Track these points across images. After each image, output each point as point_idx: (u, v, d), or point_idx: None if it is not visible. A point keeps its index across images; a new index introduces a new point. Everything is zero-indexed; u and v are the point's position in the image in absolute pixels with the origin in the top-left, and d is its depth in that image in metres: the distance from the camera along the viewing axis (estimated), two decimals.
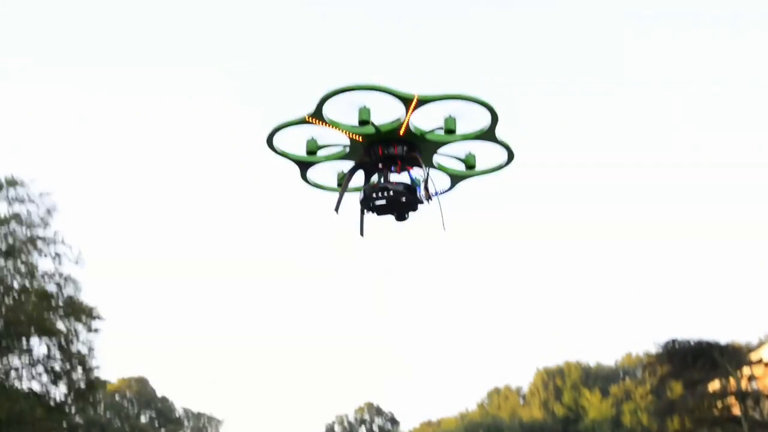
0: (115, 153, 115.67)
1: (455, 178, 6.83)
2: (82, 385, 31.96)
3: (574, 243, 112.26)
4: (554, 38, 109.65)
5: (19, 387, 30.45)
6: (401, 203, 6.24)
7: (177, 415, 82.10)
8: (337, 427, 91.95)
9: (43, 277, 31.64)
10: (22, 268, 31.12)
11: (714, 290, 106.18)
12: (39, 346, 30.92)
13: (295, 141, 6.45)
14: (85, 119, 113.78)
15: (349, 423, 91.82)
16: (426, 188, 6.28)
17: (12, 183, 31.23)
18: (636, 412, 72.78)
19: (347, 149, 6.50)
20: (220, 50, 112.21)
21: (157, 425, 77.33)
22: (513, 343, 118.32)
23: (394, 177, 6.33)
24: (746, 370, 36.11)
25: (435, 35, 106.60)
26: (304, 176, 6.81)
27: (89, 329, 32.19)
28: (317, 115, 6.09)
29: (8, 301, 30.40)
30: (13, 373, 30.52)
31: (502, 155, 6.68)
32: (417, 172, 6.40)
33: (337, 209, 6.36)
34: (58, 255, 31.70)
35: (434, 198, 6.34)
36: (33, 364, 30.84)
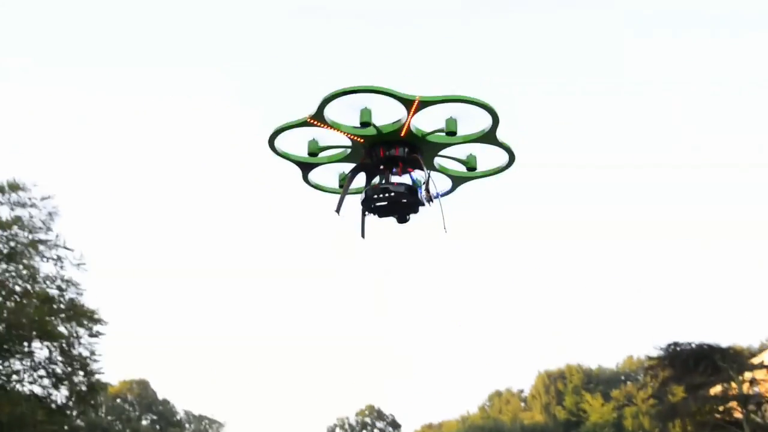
0: (115, 153, 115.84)
1: (456, 180, 6.84)
2: (84, 389, 32.00)
3: (574, 244, 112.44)
4: (554, 38, 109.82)
5: (20, 390, 30.50)
6: (402, 204, 6.25)
7: (178, 418, 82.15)
8: (338, 431, 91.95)
9: (44, 280, 31.71)
10: (24, 272, 31.19)
11: (715, 293, 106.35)
12: (41, 349, 31.00)
13: (296, 142, 6.47)
14: (85, 119, 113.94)
15: (350, 426, 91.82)
16: (427, 190, 6.29)
17: (14, 187, 31.31)
18: (637, 416, 72.75)
19: (348, 151, 6.52)
20: (220, 50, 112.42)
21: (158, 428, 77.34)
22: (514, 346, 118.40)
23: (395, 179, 6.35)
24: (748, 374, 36.10)
25: (435, 36, 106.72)
26: (305, 178, 6.83)
27: (91, 333, 32.23)
28: (318, 116, 6.11)
29: (10, 304, 30.47)
30: (14, 377, 30.58)
31: (504, 157, 6.69)
32: (418, 174, 6.41)
33: (338, 210, 6.37)
34: (59, 258, 31.77)
35: (435, 199, 6.35)
36: (34, 367, 30.89)
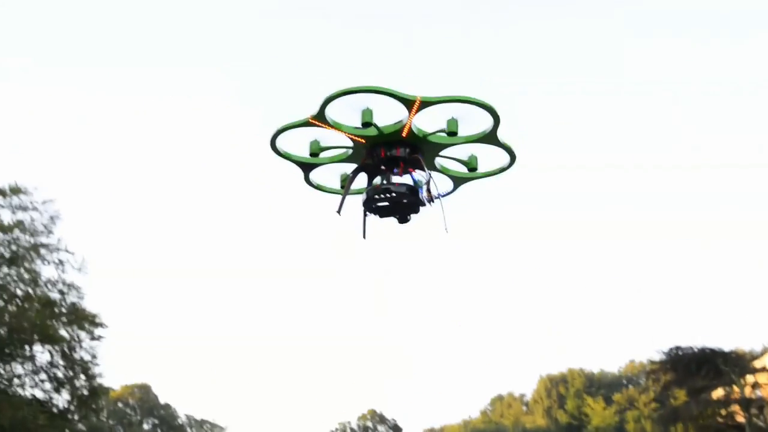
0: (115, 153, 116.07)
1: (457, 181, 6.85)
2: (85, 393, 31.97)
3: (575, 246, 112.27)
4: (555, 39, 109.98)
5: (22, 394, 30.46)
6: (403, 205, 6.26)
7: (180, 422, 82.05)
8: None
9: (46, 284, 31.70)
10: (26, 276, 31.17)
11: (717, 296, 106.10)
12: (42, 353, 30.97)
13: (297, 143, 6.48)
14: (85, 119, 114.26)
15: (352, 430, 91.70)
16: (428, 190, 6.30)
17: (16, 191, 31.33)
18: (639, 420, 72.67)
19: (350, 151, 6.53)
20: (220, 50, 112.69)
21: None
22: (516, 350, 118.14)
23: (396, 179, 6.35)
24: (750, 378, 36.02)
25: (435, 36, 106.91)
26: (307, 178, 6.84)
27: (92, 336, 32.21)
28: (320, 117, 6.12)
29: (11, 308, 30.45)
30: (16, 381, 30.54)
31: (505, 157, 6.70)
32: (419, 175, 6.42)
33: (339, 211, 6.38)
34: (61, 262, 31.76)
35: (436, 200, 6.36)
36: (36, 371, 30.87)
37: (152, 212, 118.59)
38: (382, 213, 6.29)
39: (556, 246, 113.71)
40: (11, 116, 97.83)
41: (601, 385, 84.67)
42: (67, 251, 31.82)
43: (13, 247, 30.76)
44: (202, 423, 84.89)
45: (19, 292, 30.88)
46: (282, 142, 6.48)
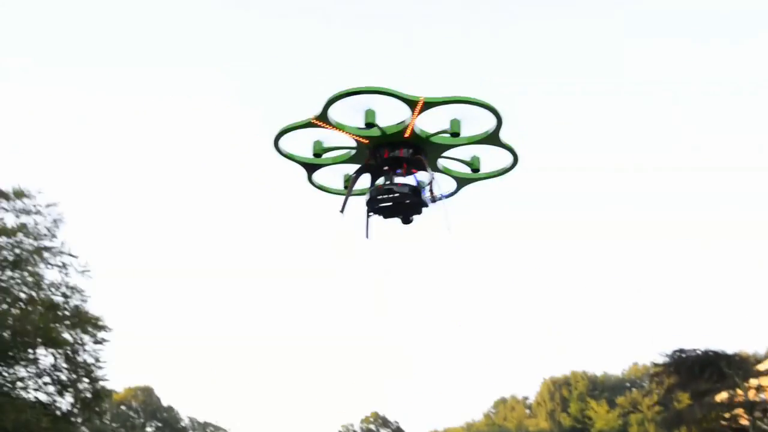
0: (115, 153, 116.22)
1: (460, 182, 6.86)
2: (89, 396, 31.95)
3: (579, 248, 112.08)
4: (554, 39, 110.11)
5: (25, 397, 30.47)
6: (406, 205, 6.27)
7: (183, 425, 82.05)
8: None
9: (49, 287, 31.70)
10: (29, 279, 31.19)
11: (721, 299, 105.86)
12: (45, 356, 30.96)
13: (300, 143, 6.49)
14: (85, 119, 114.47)
15: None
16: (431, 191, 6.31)
17: (19, 194, 31.37)
18: (643, 423, 72.47)
19: (353, 152, 6.54)
20: (220, 50, 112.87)
21: None
22: (519, 353, 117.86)
23: (399, 179, 6.36)
24: (754, 381, 35.95)
25: (435, 36, 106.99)
26: (310, 179, 6.84)
27: (95, 339, 32.22)
28: (323, 117, 6.12)
29: (15, 311, 30.47)
30: (19, 384, 30.55)
31: (507, 158, 6.71)
32: (422, 175, 6.42)
33: (342, 211, 6.39)
34: (64, 265, 31.78)
35: (439, 201, 6.36)
36: (39, 374, 30.86)
37: (152, 212, 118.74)
38: (386, 213, 6.30)
39: (559, 247, 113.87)
40: (11, 116, 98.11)
41: (604, 388, 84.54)
42: (70, 254, 31.87)
43: (17, 251, 30.79)
44: (205, 426, 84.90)
45: (22, 296, 30.90)
46: (285, 143, 6.49)
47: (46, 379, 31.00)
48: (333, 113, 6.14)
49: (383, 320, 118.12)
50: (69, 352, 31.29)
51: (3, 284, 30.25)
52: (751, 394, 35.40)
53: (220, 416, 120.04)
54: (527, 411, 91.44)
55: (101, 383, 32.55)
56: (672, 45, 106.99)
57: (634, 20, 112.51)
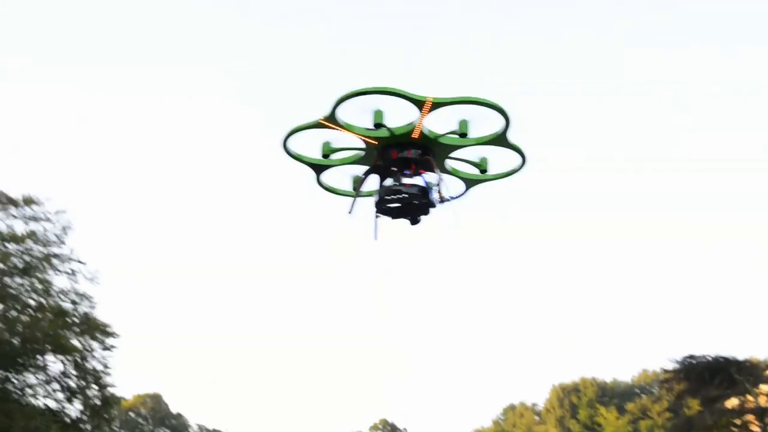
0: (115, 153, 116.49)
1: (468, 183, 6.84)
2: (98, 402, 32.01)
3: (588, 250, 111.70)
4: (554, 39, 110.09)
5: (34, 404, 30.53)
6: (414, 206, 6.26)
7: None
8: None
9: (58, 294, 31.79)
10: (38, 286, 31.29)
11: (731, 304, 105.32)
12: (54, 363, 31.04)
13: (308, 144, 6.48)
14: (85, 119, 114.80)
15: None
16: (439, 191, 6.30)
17: (29, 201, 31.52)
18: (653, 430, 72.09)
19: (362, 153, 6.53)
20: (220, 50, 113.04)
21: None
22: (528, 359, 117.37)
23: (407, 180, 6.35)
24: (764, 387, 35.72)
25: (436, 37, 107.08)
26: (319, 180, 6.83)
27: (104, 346, 32.28)
28: (331, 118, 6.12)
29: (24, 318, 30.56)
30: (28, 390, 30.62)
31: (515, 159, 6.69)
32: (430, 176, 6.41)
33: (350, 212, 6.38)
34: (73, 272, 31.88)
35: (447, 201, 6.35)
36: (48, 381, 30.94)
37: (152, 212, 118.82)
38: (394, 214, 6.28)
39: (566, 249, 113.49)
40: (11, 116, 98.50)
41: (614, 395, 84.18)
42: (79, 261, 31.98)
43: (26, 258, 30.91)
44: None
45: (31, 302, 31.00)
46: (293, 144, 6.48)
47: (55, 385, 31.09)
48: (341, 114, 6.13)
49: (390, 322, 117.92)
50: (78, 359, 31.37)
51: (12, 291, 30.34)
52: (762, 401, 35.18)
53: (228, 423, 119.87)
54: (536, 417, 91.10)
55: (110, 390, 32.62)
56: (672, 45, 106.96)
57: (634, 20, 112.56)
